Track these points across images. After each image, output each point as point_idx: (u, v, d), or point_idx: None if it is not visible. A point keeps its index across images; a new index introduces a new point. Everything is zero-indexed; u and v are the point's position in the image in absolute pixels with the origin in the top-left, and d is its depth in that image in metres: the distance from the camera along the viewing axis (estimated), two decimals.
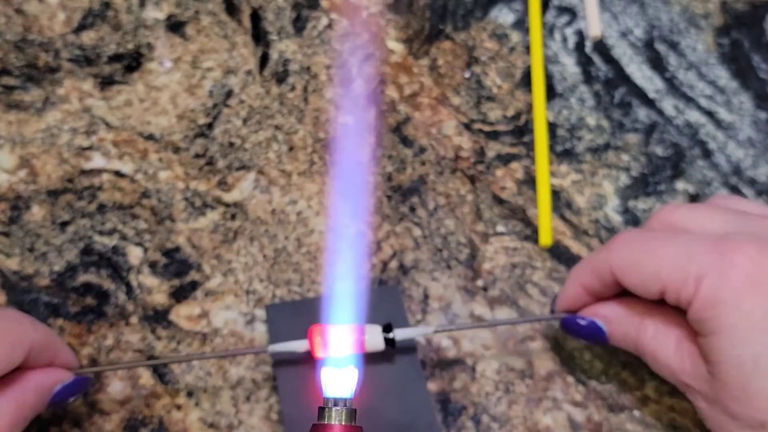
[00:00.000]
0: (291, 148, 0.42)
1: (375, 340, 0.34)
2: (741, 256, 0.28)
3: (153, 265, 0.38)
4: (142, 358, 0.36)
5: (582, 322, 0.33)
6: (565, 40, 0.46)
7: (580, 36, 0.46)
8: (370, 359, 0.35)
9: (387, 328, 0.34)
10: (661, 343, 0.31)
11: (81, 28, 0.45)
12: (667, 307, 0.31)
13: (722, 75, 0.45)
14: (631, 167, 0.42)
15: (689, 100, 0.44)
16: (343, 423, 0.23)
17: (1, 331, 0.29)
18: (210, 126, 0.42)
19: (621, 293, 0.32)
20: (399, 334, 0.34)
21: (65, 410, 0.35)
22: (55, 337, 0.32)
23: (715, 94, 0.44)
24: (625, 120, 0.43)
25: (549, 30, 0.46)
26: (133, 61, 0.44)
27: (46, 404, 0.31)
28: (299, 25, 0.46)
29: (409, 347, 0.35)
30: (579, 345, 0.37)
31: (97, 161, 0.41)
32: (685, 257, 0.29)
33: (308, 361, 0.34)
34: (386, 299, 0.37)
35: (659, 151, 0.42)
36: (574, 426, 0.35)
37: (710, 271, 0.28)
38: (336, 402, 0.23)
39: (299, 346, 0.34)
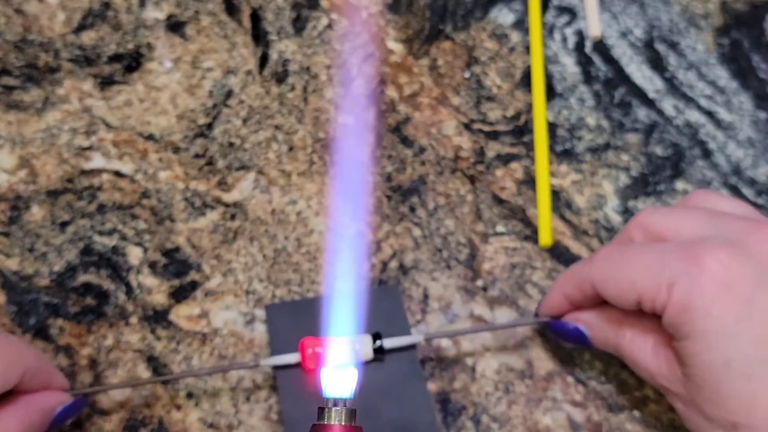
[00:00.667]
0: (291, 148, 0.42)
1: (365, 350, 0.34)
2: (711, 260, 0.28)
3: (153, 265, 0.38)
4: (142, 358, 0.36)
5: (568, 326, 0.34)
6: (565, 40, 0.46)
7: (580, 36, 0.46)
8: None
9: (377, 337, 0.34)
10: (639, 347, 0.32)
11: (81, 28, 0.45)
12: (645, 314, 0.31)
13: (722, 75, 0.45)
14: (631, 167, 0.42)
15: (689, 100, 0.44)
16: (343, 423, 0.23)
17: None
18: (210, 126, 0.42)
19: (602, 301, 0.33)
20: (387, 343, 0.34)
21: None
22: (47, 361, 0.33)
23: (715, 94, 0.44)
24: (625, 120, 0.43)
25: (549, 30, 0.46)
26: (133, 61, 0.44)
27: (47, 425, 0.32)
28: (299, 25, 0.46)
29: (409, 347, 0.36)
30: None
31: (97, 161, 0.41)
32: (658, 266, 0.29)
33: None
34: (386, 299, 0.37)
35: (659, 151, 0.42)
36: (573, 426, 0.35)
37: (682, 277, 0.28)
38: (336, 402, 0.23)
39: (291, 359, 0.34)
